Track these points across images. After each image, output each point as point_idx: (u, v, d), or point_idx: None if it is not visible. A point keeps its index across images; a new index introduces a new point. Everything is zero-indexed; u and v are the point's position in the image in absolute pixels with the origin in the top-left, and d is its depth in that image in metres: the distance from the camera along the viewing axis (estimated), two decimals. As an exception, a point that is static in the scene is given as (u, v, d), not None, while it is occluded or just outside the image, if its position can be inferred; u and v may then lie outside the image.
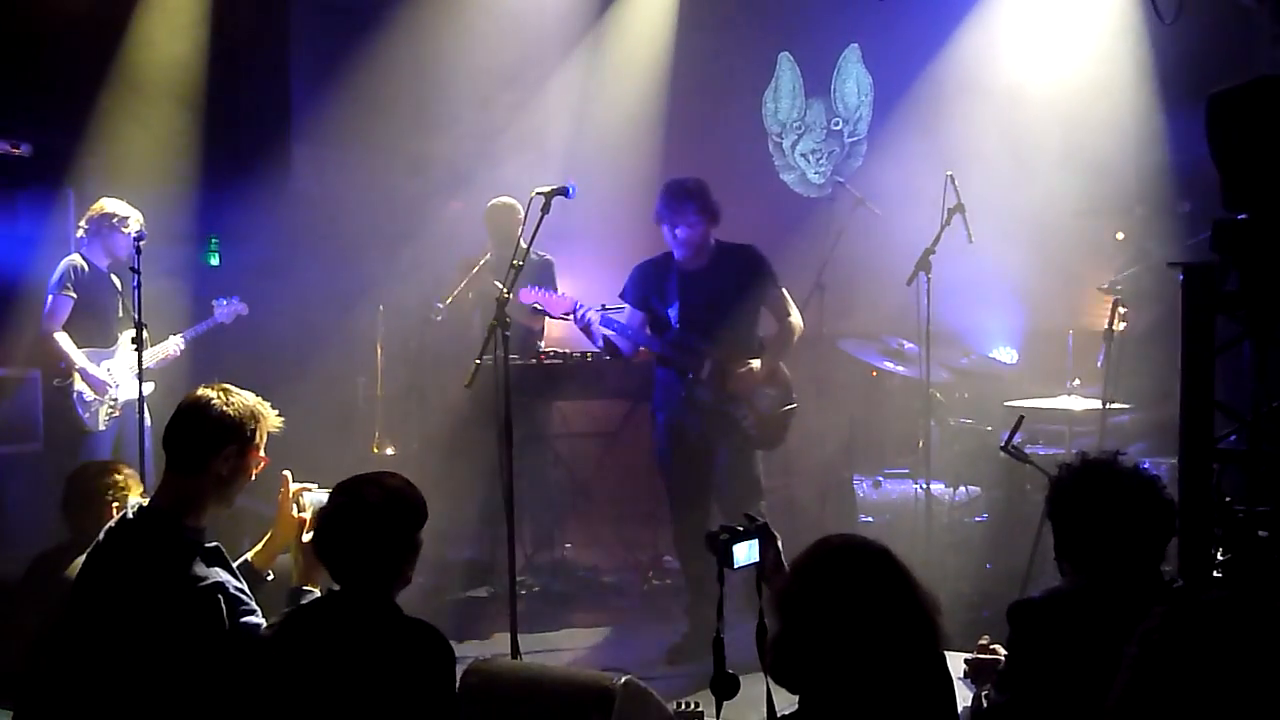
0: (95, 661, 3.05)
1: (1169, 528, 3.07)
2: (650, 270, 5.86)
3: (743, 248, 5.83)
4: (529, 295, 5.61)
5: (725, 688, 3.19)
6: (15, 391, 6.87)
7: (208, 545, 3.17)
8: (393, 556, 2.97)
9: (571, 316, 5.64)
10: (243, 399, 3.30)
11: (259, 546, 3.53)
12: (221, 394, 3.29)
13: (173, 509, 3.18)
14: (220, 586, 3.08)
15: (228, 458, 3.22)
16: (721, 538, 3.20)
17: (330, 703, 2.83)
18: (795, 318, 5.85)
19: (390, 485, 3.03)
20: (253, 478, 3.32)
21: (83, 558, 3.32)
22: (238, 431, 3.24)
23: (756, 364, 5.69)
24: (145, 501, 3.26)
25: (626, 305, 5.88)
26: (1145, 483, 3.06)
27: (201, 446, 3.20)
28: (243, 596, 3.13)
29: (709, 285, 5.72)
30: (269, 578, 3.50)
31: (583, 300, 5.72)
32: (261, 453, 3.33)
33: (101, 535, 3.25)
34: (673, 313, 5.77)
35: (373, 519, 2.95)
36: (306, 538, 3.30)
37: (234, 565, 3.29)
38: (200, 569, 3.09)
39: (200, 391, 3.30)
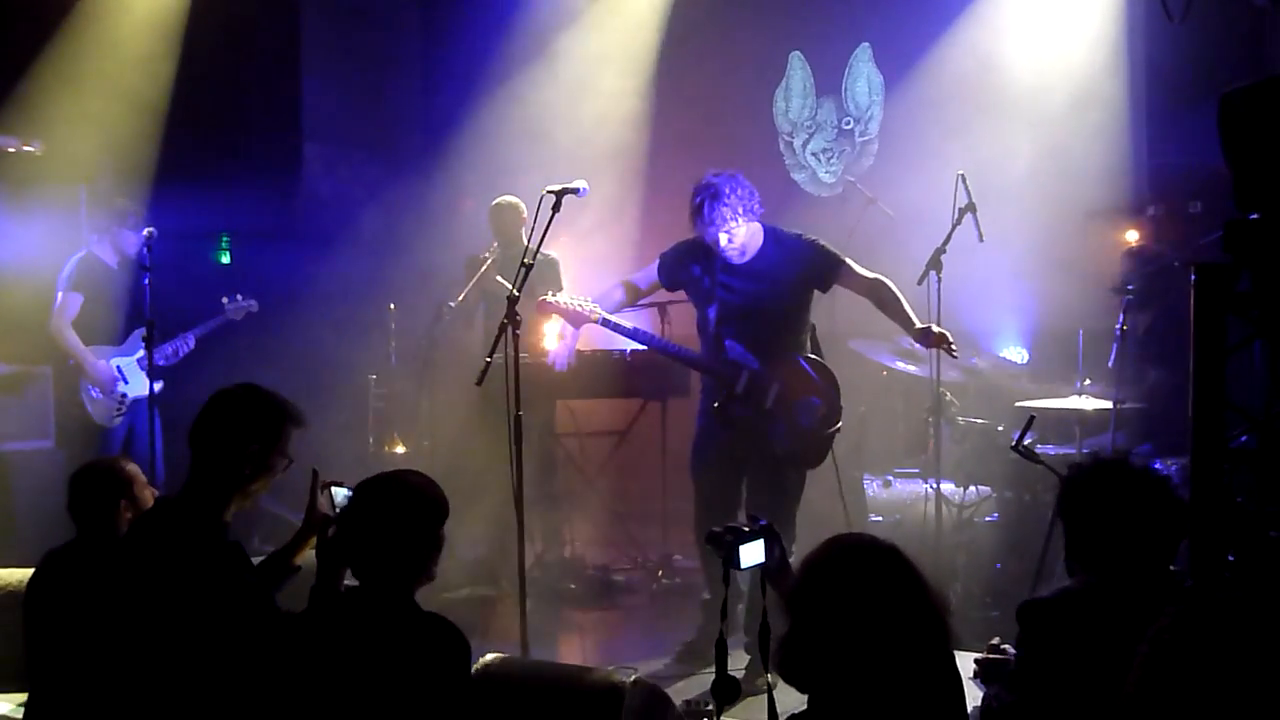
0: (120, 651, 3.07)
1: (1180, 528, 3.07)
2: (693, 257, 5.40)
3: (794, 242, 5.35)
4: (548, 307, 5.30)
5: (726, 691, 3.18)
6: (26, 388, 6.89)
7: (228, 541, 3.21)
8: (415, 552, 2.99)
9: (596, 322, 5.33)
10: (271, 398, 3.35)
11: (289, 541, 3.57)
12: (250, 393, 3.35)
13: (196, 504, 3.22)
14: (240, 582, 3.12)
15: (253, 456, 3.26)
16: (727, 538, 3.18)
17: (347, 697, 2.84)
18: (878, 275, 5.38)
19: (412, 482, 3.06)
20: (275, 477, 3.35)
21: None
22: (264, 430, 3.29)
23: (801, 375, 5.26)
24: (171, 495, 3.30)
25: (657, 280, 5.50)
26: (1157, 482, 3.05)
27: (227, 443, 3.24)
28: (257, 595, 3.17)
29: (752, 285, 5.28)
30: (298, 568, 3.53)
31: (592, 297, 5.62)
32: (286, 453, 3.36)
33: (128, 529, 3.29)
34: (711, 313, 5.32)
35: (395, 515, 2.98)
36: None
37: (255, 561, 3.35)
38: (225, 562, 3.14)
39: (229, 389, 3.34)
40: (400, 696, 2.83)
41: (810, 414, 5.30)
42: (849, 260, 5.40)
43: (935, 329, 5.33)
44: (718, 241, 5.19)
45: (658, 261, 5.53)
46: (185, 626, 3.03)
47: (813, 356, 5.41)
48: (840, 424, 5.43)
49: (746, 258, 5.29)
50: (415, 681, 2.84)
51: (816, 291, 5.41)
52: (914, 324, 5.34)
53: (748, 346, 5.27)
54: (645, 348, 5.77)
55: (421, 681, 2.85)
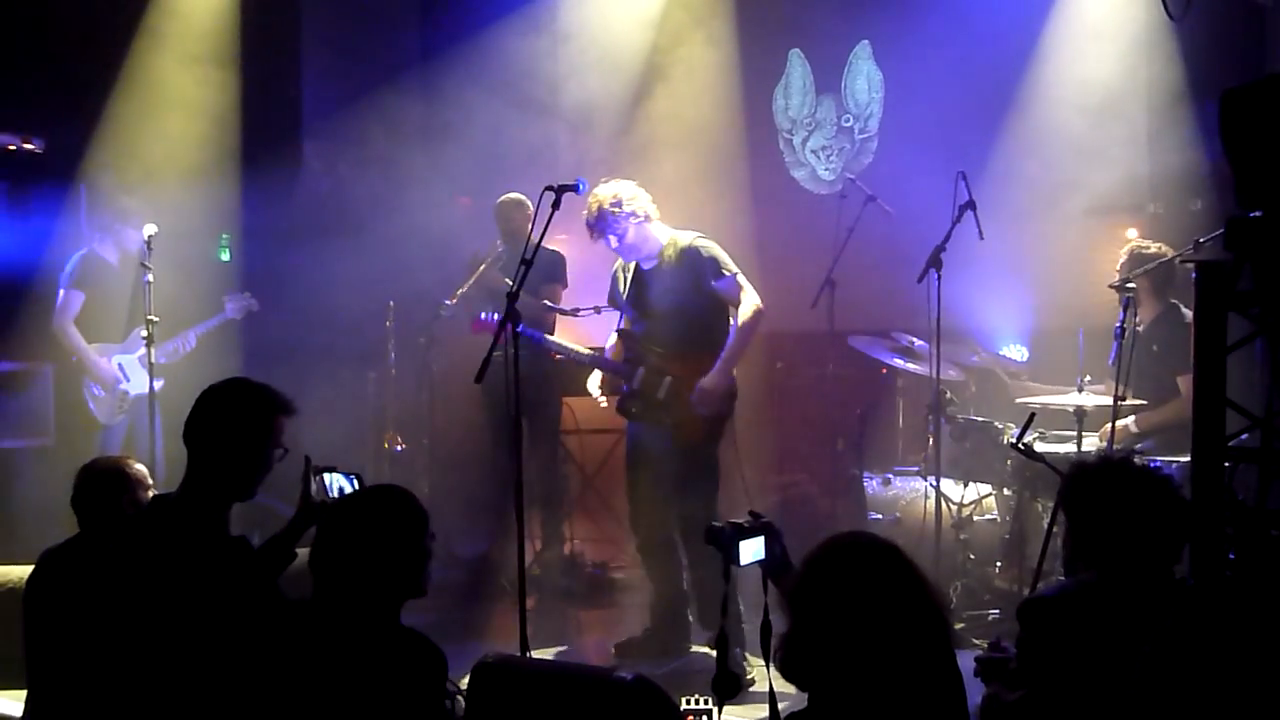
0: (123, 648, 3.08)
1: (1186, 528, 3.07)
2: (617, 271, 5.89)
3: (685, 244, 5.66)
4: (479, 325, 5.96)
5: (727, 687, 3.18)
6: (27, 386, 6.89)
7: (232, 537, 3.23)
8: (398, 567, 2.94)
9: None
10: (260, 390, 3.38)
11: (284, 529, 3.58)
12: (239, 386, 3.39)
13: (196, 501, 3.24)
14: (248, 576, 3.13)
15: (250, 449, 3.29)
16: (727, 533, 3.18)
17: (320, 711, 2.83)
18: (746, 305, 5.60)
19: (388, 498, 3.03)
20: (272, 468, 3.38)
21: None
22: (258, 422, 3.32)
23: (706, 380, 5.52)
24: (169, 492, 3.32)
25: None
26: (1162, 481, 3.06)
27: (224, 438, 3.28)
28: (265, 588, 3.19)
29: (650, 287, 5.72)
30: (295, 556, 3.55)
31: (597, 295, 5.88)
32: (280, 443, 3.39)
33: (126, 527, 3.30)
34: (622, 317, 5.89)
35: (372, 535, 2.93)
36: None
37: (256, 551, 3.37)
38: (231, 557, 3.17)
39: (221, 384, 3.38)
40: (371, 712, 2.82)
41: (699, 398, 5.53)
42: (733, 274, 5.60)
43: (703, 388, 5.51)
44: (609, 246, 5.67)
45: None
46: (193, 623, 3.04)
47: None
48: (726, 413, 5.64)
49: (652, 263, 5.70)
50: (387, 698, 2.83)
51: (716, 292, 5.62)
52: (711, 371, 5.55)
53: (648, 344, 5.69)
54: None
55: (394, 697, 2.84)
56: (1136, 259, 5.98)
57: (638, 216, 5.61)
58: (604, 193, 5.60)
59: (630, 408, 5.79)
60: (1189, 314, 5.97)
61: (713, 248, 5.66)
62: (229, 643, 2.99)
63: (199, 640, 3.03)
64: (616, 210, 5.57)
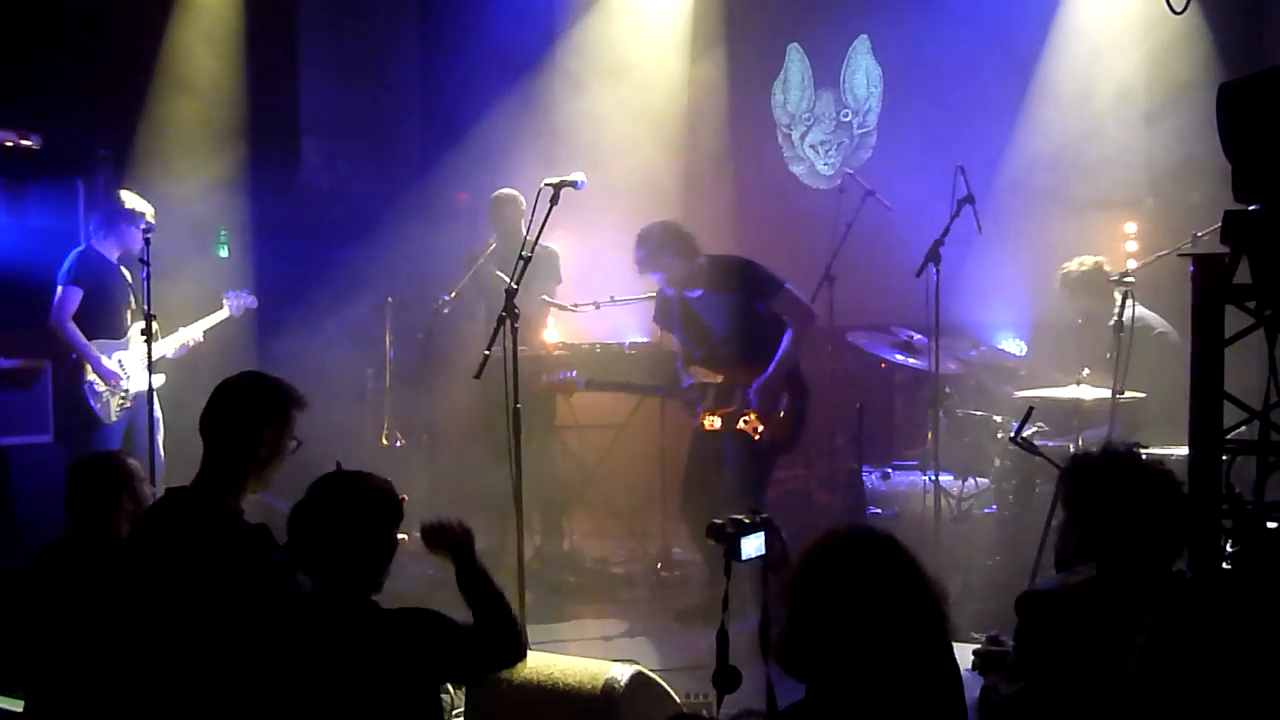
0: (142, 641, 3.09)
1: (1187, 523, 3.07)
2: (666, 297, 6.07)
3: (728, 265, 5.92)
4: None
5: (727, 681, 3.19)
6: (26, 383, 6.89)
7: (251, 525, 3.25)
8: (368, 555, 2.98)
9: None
10: (276, 383, 3.43)
11: None
12: (256, 379, 3.45)
13: (215, 491, 3.28)
14: (269, 561, 3.15)
15: (267, 440, 3.33)
16: (728, 530, 3.19)
17: (321, 705, 2.84)
18: (801, 313, 5.92)
19: (368, 484, 3.05)
20: (285, 459, 3.41)
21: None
22: (275, 414, 3.36)
23: (758, 381, 5.81)
24: (183, 486, 3.35)
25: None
26: (1165, 475, 3.06)
27: (242, 429, 3.32)
28: (287, 574, 3.21)
29: (702, 313, 5.93)
30: None
31: (595, 291, 6.02)
32: (294, 435, 3.42)
33: (138, 521, 3.32)
34: (680, 343, 6.13)
35: (348, 516, 2.96)
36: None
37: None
38: (252, 543, 3.19)
39: (234, 377, 3.43)
40: (378, 692, 2.83)
41: (755, 398, 5.83)
42: (785, 286, 5.87)
43: (756, 389, 5.81)
44: (658, 282, 5.89)
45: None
46: (217, 612, 3.05)
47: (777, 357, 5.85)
48: (803, 401, 5.95)
49: (694, 291, 5.90)
50: (393, 676, 2.84)
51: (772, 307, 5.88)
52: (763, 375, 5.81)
53: (713, 364, 5.96)
54: (645, 341, 5.98)
55: (400, 673, 2.85)
56: (1065, 281, 6.47)
57: (685, 253, 5.80)
58: (653, 232, 5.79)
59: (702, 426, 5.98)
60: (1135, 314, 6.08)
61: (756, 266, 5.90)
62: (250, 631, 3.00)
63: (220, 629, 3.03)
64: (664, 248, 5.76)
